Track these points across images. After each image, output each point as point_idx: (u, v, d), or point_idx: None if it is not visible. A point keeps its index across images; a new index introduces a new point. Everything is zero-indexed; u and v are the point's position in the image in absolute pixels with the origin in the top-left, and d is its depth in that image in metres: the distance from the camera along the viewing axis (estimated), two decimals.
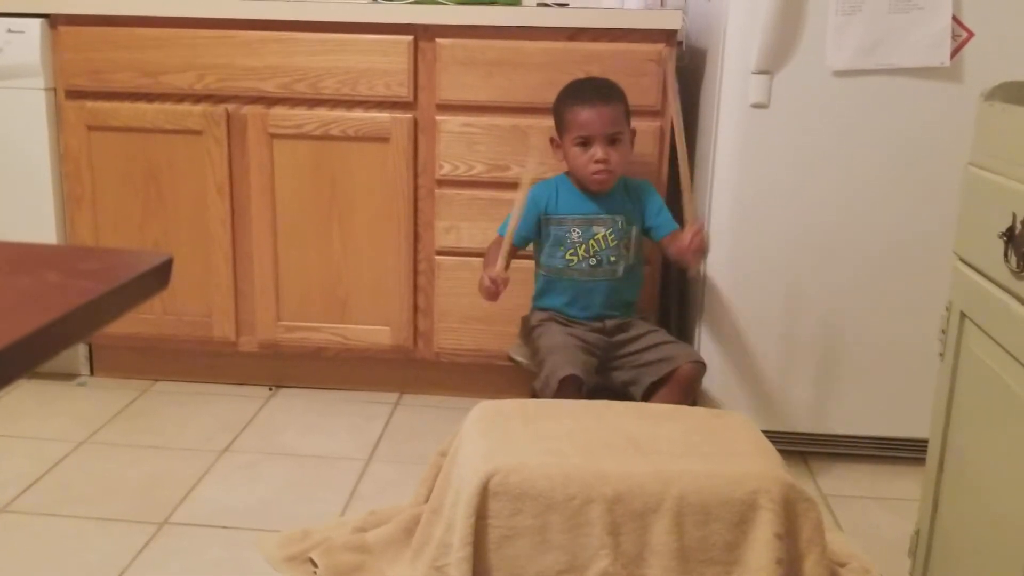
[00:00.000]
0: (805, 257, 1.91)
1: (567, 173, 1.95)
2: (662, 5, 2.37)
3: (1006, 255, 1.09)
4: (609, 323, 1.91)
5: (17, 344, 0.49)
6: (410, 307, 2.24)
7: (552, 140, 1.95)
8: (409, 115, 2.14)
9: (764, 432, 1.55)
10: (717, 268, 1.96)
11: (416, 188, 2.18)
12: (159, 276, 0.66)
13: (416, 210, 2.19)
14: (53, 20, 2.18)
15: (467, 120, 2.11)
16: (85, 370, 2.40)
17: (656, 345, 1.87)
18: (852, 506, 1.85)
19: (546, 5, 2.27)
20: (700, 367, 1.85)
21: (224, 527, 1.71)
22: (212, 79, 2.15)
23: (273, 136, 2.17)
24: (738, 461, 1.42)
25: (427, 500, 1.59)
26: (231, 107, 2.18)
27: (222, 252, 2.24)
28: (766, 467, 1.41)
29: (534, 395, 1.82)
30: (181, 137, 2.19)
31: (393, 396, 2.34)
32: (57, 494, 1.81)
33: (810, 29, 1.81)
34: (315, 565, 1.55)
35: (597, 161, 1.85)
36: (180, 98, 2.19)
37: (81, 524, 1.71)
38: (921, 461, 1.37)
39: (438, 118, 2.13)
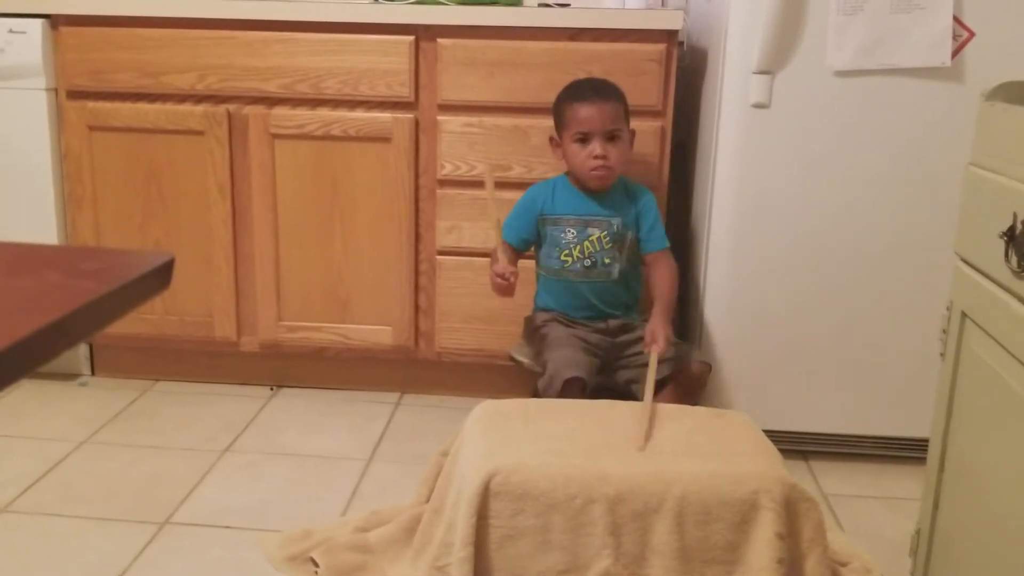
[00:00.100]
0: (806, 257, 1.91)
1: (567, 173, 1.95)
2: (663, 5, 2.37)
3: (1007, 255, 1.09)
4: (612, 323, 1.91)
5: (18, 344, 0.49)
6: (411, 307, 2.24)
7: (552, 139, 1.95)
8: (410, 115, 2.14)
9: (765, 432, 1.55)
10: (718, 268, 1.96)
11: (417, 188, 2.18)
12: (160, 276, 0.66)
13: (417, 210, 2.19)
14: (54, 20, 2.18)
15: (468, 120, 2.11)
16: (86, 370, 2.41)
17: None
18: (853, 506, 1.85)
19: (547, 5, 2.27)
20: (707, 367, 1.84)
21: (225, 527, 1.71)
22: (213, 79, 2.15)
23: (274, 136, 2.17)
24: (739, 461, 1.42)
25: (428, 500, 1.59)
26: (232, 107, 2.18)
27: (223, 252, 2.24)
28: (767, 467, 1.41)
29: (536, 395, 1.82)
30: (182, 137, 2.19)
31: (394, 396, 2.34)
32: (58, 494, 1.81)
33: (811, 29, 1.81)
34: (316, 565, 1.55)
35: (596, 157, 1.84)
36: (181, 98, 2.19)
37: (82, 524, 1.71)
38: (922, 461, 1.37)
39: (439, 118, 2.13)
